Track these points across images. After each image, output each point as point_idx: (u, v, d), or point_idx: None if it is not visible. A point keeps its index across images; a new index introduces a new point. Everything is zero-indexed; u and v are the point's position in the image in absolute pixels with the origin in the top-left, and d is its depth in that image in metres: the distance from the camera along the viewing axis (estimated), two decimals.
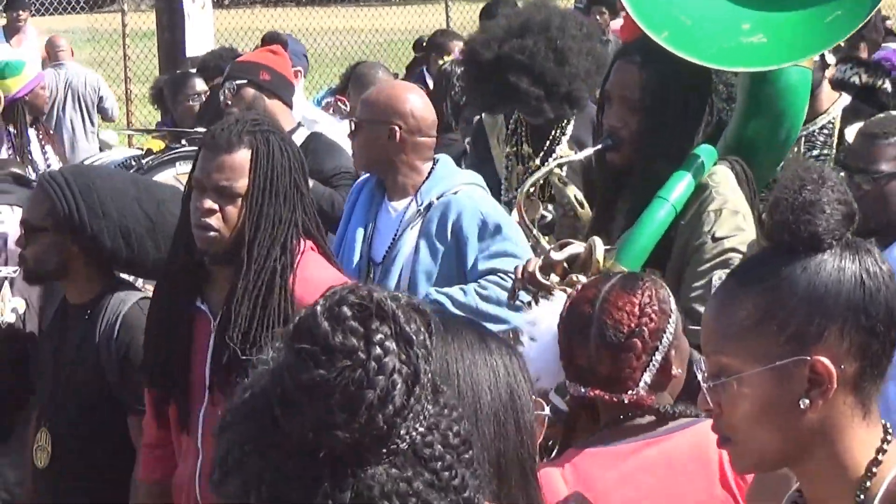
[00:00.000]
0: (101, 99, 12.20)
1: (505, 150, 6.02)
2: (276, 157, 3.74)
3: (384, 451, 1.67)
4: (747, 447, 2.26)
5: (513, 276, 4.60)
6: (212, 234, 3.74)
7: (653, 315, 3.20)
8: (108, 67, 16.35)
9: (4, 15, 14.31)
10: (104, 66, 16.51)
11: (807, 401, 2.16)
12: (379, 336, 1.64)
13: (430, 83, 9.76)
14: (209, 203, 3.71)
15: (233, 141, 3.74)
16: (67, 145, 11.44)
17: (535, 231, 4.63)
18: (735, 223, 3.98)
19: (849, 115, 5.46)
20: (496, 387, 2.07)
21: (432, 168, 5.08)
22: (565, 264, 4.06)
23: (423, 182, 5.10)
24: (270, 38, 8.61)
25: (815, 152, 5.53)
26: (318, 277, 3.69)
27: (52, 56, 12.49)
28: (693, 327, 3.39)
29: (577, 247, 4.12)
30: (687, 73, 4.07)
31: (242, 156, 3.71)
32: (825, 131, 5.51)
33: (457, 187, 4.91)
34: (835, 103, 5.55)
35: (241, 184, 3.71)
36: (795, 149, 5.30)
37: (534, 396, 2.16)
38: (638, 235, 4.01)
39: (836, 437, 2.19)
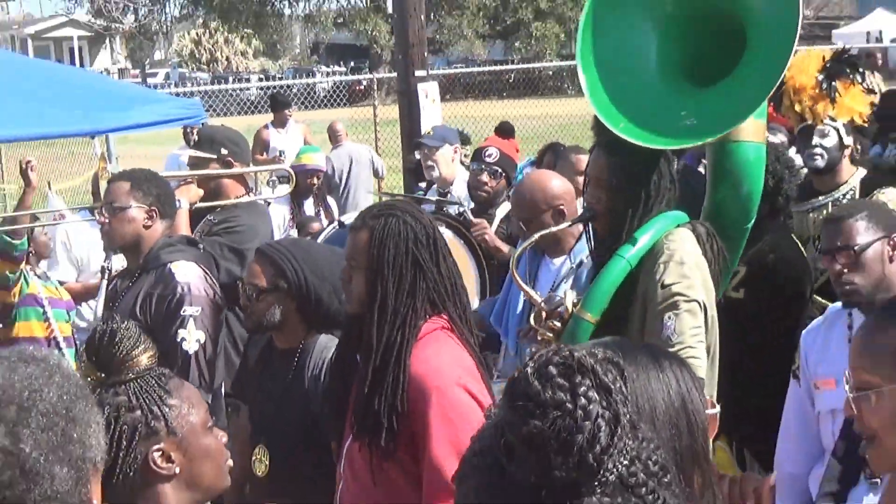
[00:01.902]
0: (373, 163, 12.60)
1: None
2: (392, 236, 3.44)
3: (596, 483, 1.63)
4: (884, 450, 2.25)
5: None
6: (346, 298, 3.60)
7: None
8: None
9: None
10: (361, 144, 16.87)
11: None
12: (582, 388, 1.61)
13: None
14: (345, 273, 3.56)
15: (357, 224, 3.55)
16: (350, 201, 11.75)
17: (526, 287, 4.48)
18: (680, 272, 3.83)
19: (866, 184, 5.35)
20: (669, 396, 1.99)
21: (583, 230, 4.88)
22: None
23: (576, 243, 5.01)
24: (504, 130, 8.58)
25: None
26: (434, 357, 3.42)
27: (333, 138, 12.80)
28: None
29: (560, 299, 4.16)
30: (644, 155, 3.91)
31: (362, 236, 3.48)
32: (847, 197, 5.32)
33: None
34: (854, 175, 5.39)
35: (362, 260, 3.46)
36: (825, 211, 5.21)
37: (704, 398, 2.08)
38: (598, 286, 3.93)
39: None
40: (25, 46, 48.69)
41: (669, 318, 3.79)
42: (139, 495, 2.41)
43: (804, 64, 5.47)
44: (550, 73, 31.00)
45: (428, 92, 11.81)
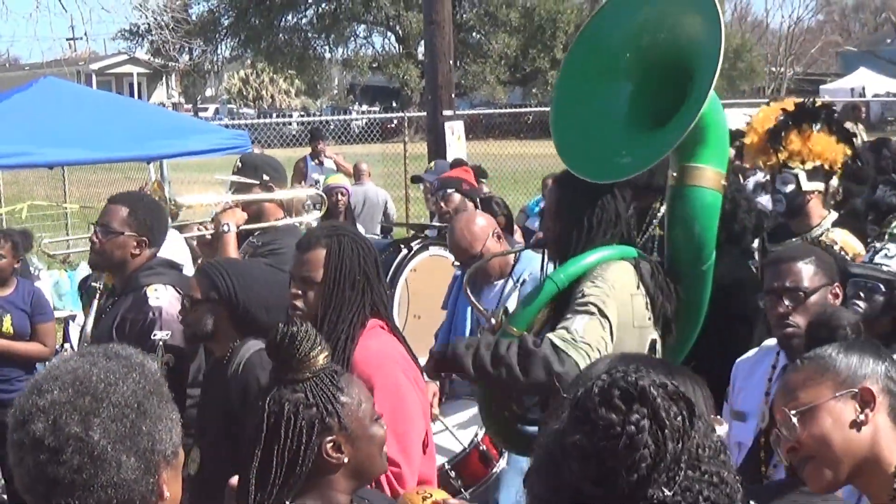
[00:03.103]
0: (386, 207, 12.36)
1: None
2: (347, 253, 3.51)
3: None
4: (824, 462, 2.24)
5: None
6: (297, 312, 3.55)
7: None
8: (393, 178, 17.04)
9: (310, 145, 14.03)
10: (391, 177, 17.26)
11: (862, 416, 2.23)
12: (635, 416, 1.50)
13: None
14: (294, 289, 3.57)
15: (311, 242, 3.58)
16: None
17: (478, 304, 4.41)
18: (599, 289, 3.72)
19: (837, 227, 5.15)
20: None
21: (518, 254, 5.12)
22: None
23: (515, 264, 5.15)
24: (458, 163, 8.44)
25: None
26: (375, 346, 3.50)
27: (356, 175, 12.68)
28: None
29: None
30: (589, 190, 3.89)
31: (318, 254, 3.53)
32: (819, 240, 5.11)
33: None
34: (825, 218, 5.17)
35: (317, 275, 3.51)
36: None
37: (713, 416, 2.03)
38: (525, 304, 3.92)
39: (884, 447, 2.24)
40: (90, 81, 48.89)
41: (582, 317, 3.66)
42: (312, 482, 2.45)
43: (761, 120, 5.34)
44: None
45: (454, 129, 12.05)
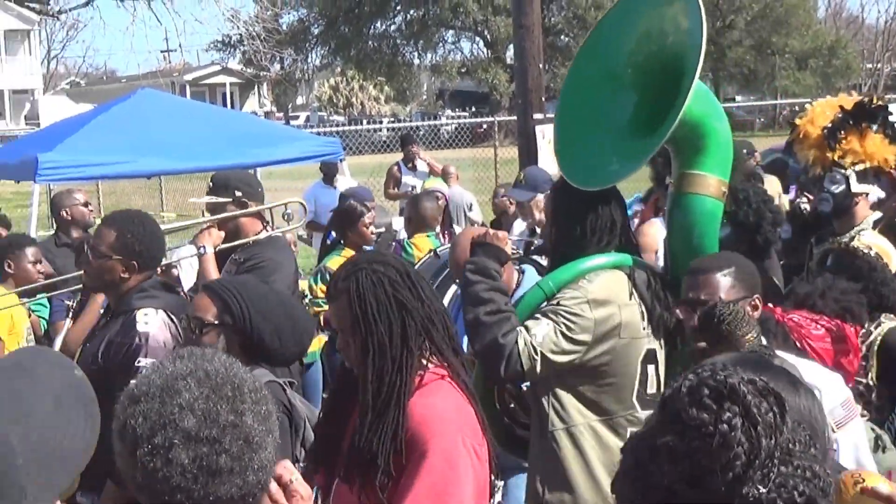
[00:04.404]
0: (470, 209, 12.25)
1: None
2: (368, 290, 3.16)
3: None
4: None
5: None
6: (349, 363, 3.25)
7: None
8: (484, 183, 16.95)
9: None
10: (482, 182, 17.25)
11: None
12: (727, 415, 1.47)
13: None
14: (340, 341, 3.26)
15: (333, 292, 3.25)
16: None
17: None
18: (573, 294, 3.79)
19: (877, 225, 5.25)
20: (803, 422, 1.78)
21: (522, 274, 4.99)
22: None
23: (519, 284, 4.90)
24: None
25: None
26: (439, 406, 3.12)
27: (444, 178, 12.80)
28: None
29: None
30: (583, 199, 3.92)
31: (342, 301, 3.19)
32: (854, 237, 5.15)
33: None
34: (867, 218, 5.23)
35: (349, 324, 3.17)
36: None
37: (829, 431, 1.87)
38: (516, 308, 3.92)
39: None
40: (184, 92, 49.85)
41: (547, 323, 3.72)
42: None
43: (818, 114, 5.31)
44: None
45: (545, 133, 11.70)
